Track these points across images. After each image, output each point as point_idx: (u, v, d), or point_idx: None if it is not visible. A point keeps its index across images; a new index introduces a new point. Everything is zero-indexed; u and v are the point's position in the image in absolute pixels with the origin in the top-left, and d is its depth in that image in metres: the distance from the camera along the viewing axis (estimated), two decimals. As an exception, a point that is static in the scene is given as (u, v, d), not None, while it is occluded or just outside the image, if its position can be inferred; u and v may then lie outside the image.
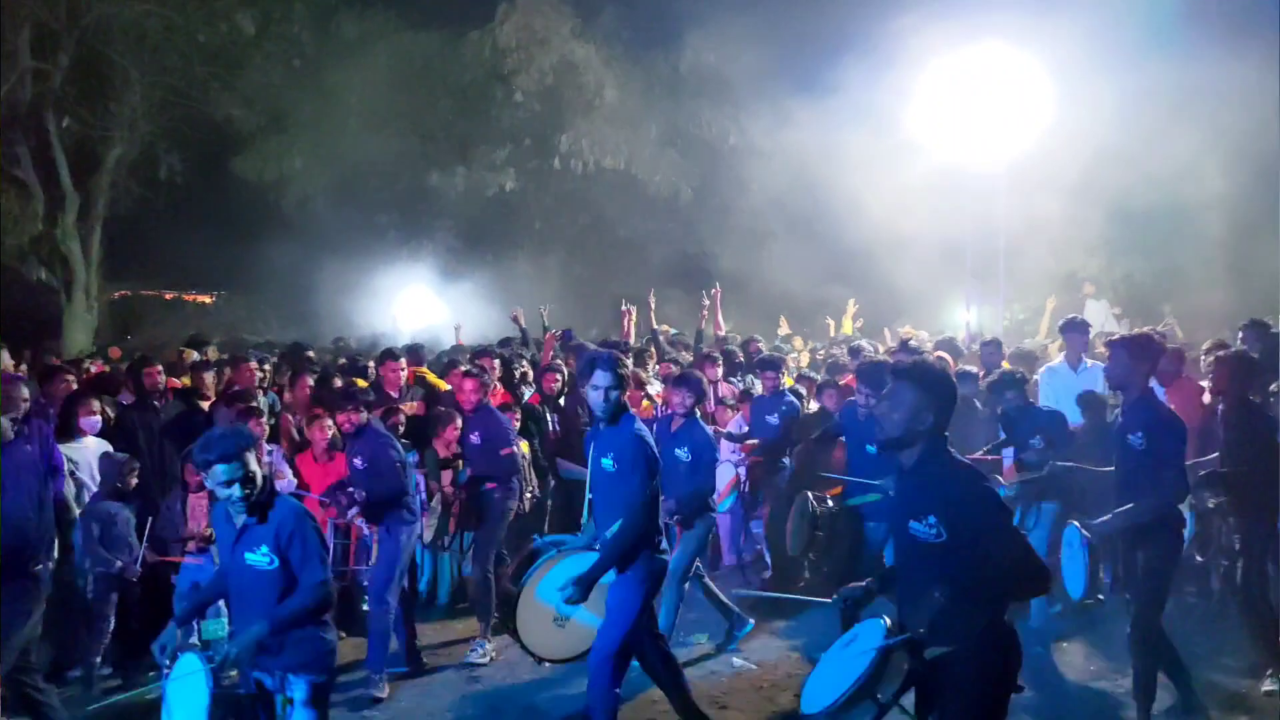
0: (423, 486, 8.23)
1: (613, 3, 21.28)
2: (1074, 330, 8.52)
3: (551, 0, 20.51)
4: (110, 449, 7.42)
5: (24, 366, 10.01)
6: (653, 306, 13.11)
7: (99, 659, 6.98)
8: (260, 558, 4.39)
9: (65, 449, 7.20)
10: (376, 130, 20.45)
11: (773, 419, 8.83)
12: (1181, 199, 15.85)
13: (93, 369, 11.12)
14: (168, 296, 23.97)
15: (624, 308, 12.45)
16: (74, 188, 19.00)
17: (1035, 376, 8.85)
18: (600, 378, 5.34)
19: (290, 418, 8.75)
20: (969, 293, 15.24)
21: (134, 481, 6.94)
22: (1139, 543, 5.67)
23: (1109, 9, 15.11)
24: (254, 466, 4.36)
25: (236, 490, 4.32)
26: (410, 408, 8.89)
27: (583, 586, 5.18)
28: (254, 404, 8.05)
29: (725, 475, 8.76)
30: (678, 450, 7.13)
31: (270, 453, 7.87)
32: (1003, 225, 14.60)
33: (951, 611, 3.64)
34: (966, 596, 3.66)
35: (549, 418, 9.27)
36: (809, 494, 7.45)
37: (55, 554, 6.16)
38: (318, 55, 20.66)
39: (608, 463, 5.44)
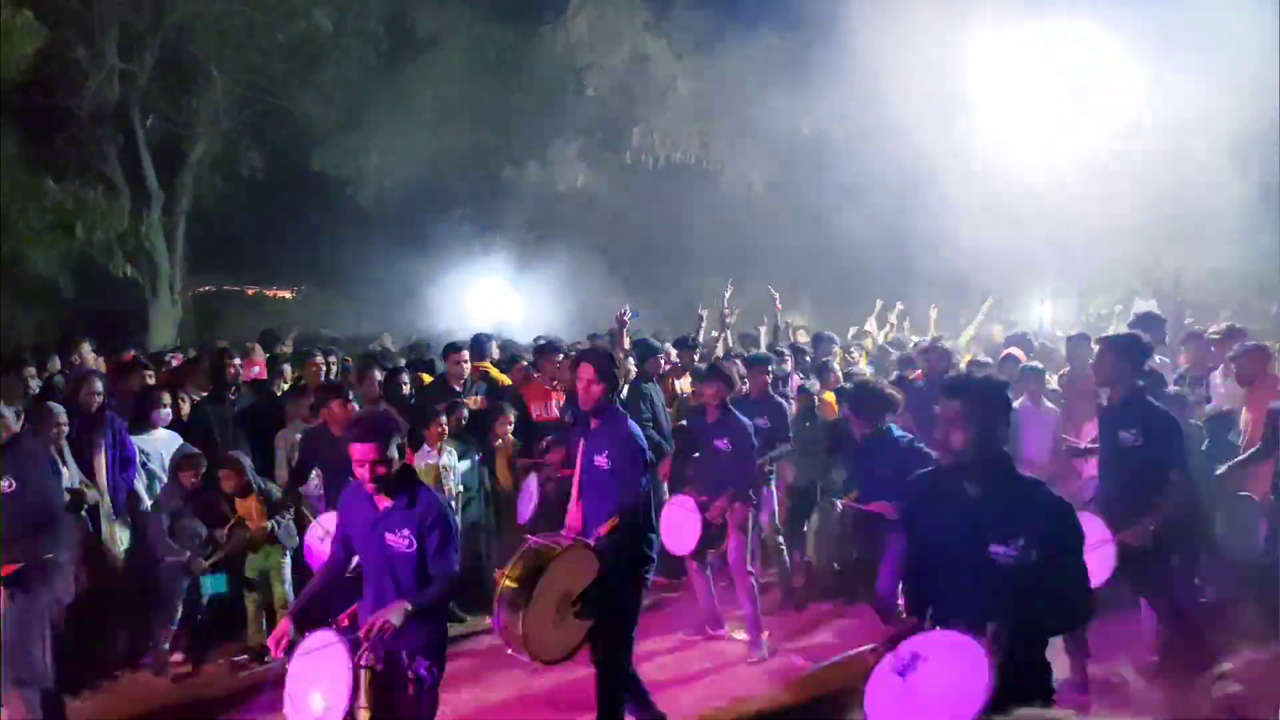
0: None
1: (685, -5, 21.23)
2: (1145, 324, 8.28)
3: (624, -6, 20.53)
4: (180, 440, 7.59)
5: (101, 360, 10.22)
6: (728, 298, 12.83)
7: (168, 645, 7.15)
8: (401, 539, 4.47)
9: (138, 440, 7.40)
10: (451, 125, 20.66)
11: (761, 421, 7.99)
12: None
13: (174, 363, 11.41)
14: (249, 292, 24.49)
15: (699, 310, 12.19)
16: (159, 185, 19.49)
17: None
18: (585, 370, 5.40)
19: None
20: (1044, 286, 14.87)
21: (196, 476, 7.06)
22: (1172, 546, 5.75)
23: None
24: (393, 452, 4.44)
25: (366, 471, 4.42)
26: (473, 402, 8.96)
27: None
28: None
29: None
30: (717, 441, 7.19)
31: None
32: (1082, 217, 14.18)
33: (1019, 638, 3.50)
34: (1035, 625, 3.58)
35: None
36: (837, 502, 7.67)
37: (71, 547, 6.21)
38: (393, 51, 20.89)
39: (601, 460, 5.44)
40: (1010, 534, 3.54)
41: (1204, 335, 9.32)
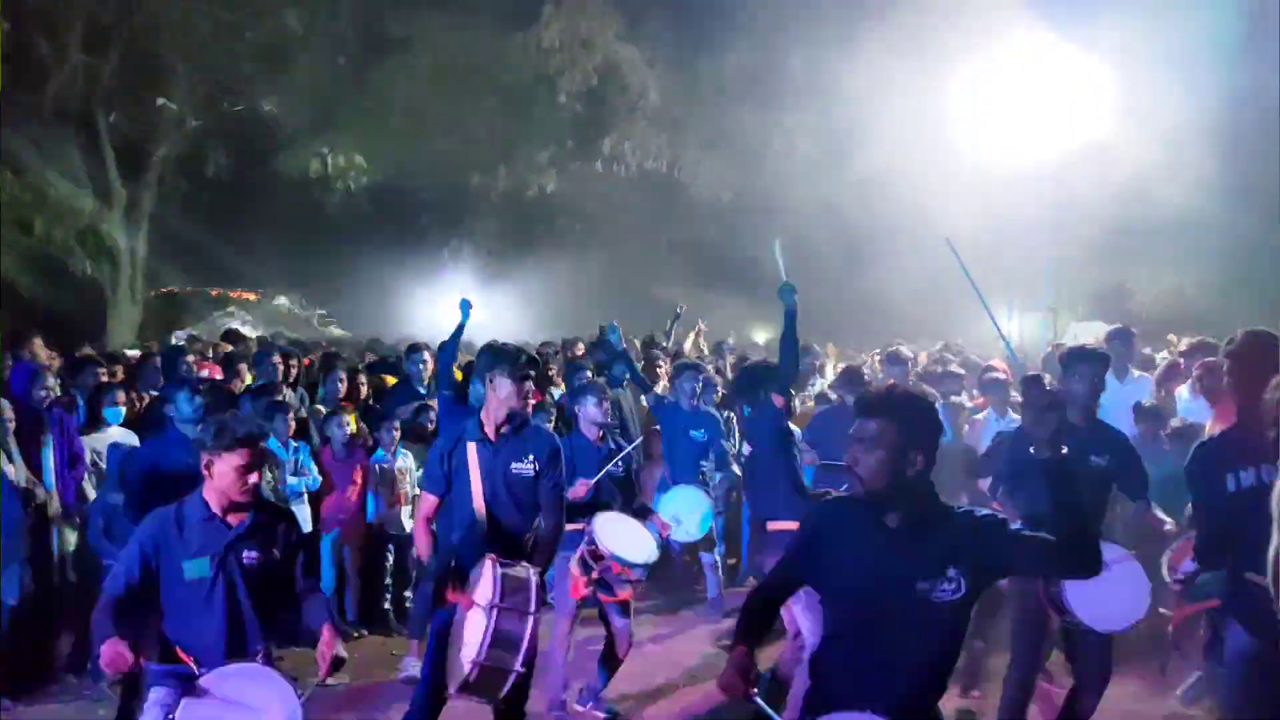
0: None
1: (658, 5, 21.22)
2: (1119, 340, 8.21)
3: (597, 2, 20.49)
4: (135, 439, 7.37)
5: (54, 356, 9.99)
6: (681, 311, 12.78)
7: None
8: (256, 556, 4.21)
9: (89, 440, 7.19)
10: (420, 129, 20.54)
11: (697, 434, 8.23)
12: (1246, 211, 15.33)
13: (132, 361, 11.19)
14: (213, 293, 24.17)
15: (678, 309, 12.51)
16: (121, 184, 19.20)
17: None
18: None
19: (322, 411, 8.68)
20: (1010, 302, 14.91)
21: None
22: None
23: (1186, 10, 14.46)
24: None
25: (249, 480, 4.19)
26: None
27: None
28: (280, 398, 8.02)
29: None
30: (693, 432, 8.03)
31: (296, 449, 7.81)
32: (1048, 231, 14.27)
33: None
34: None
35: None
36: None
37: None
38: (363, 54, 20.76)
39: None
40: (938, 570, 3.06)
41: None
